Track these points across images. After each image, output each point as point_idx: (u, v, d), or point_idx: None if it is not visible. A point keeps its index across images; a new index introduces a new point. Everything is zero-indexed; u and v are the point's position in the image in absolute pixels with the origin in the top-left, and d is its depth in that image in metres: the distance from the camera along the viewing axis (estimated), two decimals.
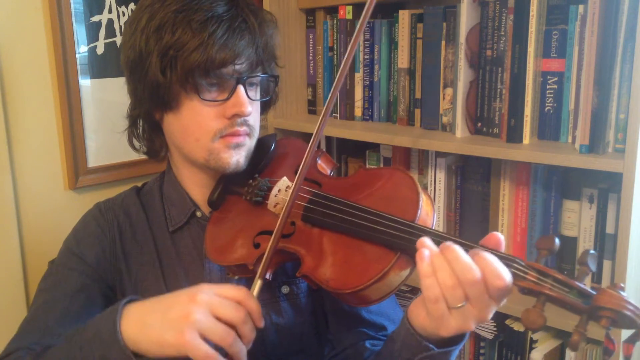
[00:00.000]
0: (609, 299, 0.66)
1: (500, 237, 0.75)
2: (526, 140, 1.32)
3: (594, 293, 0.68)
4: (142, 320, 0.80)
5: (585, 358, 1.26)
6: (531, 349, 1.33)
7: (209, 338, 0.77)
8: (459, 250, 0.71)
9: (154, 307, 0.81)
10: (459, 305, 0.71)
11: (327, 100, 0.87)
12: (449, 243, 0.73)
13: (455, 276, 0.70)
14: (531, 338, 1.34)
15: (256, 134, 1.00)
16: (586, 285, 0.70)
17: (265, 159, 1.04)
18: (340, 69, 0.87)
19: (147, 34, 0.92)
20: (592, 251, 0.71)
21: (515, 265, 0.72)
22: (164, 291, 1.01)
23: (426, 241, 0.73)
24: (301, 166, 0.87)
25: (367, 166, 1.69)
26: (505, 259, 0.72)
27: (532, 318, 0.68)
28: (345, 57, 0.86)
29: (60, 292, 1.00)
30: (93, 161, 1.66)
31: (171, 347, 0.77)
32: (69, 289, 1.00)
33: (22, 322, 1.00)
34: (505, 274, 0.69)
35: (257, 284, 0.84)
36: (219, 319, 0.78)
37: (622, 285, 0.69)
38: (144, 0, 0.96)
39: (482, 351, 1.44)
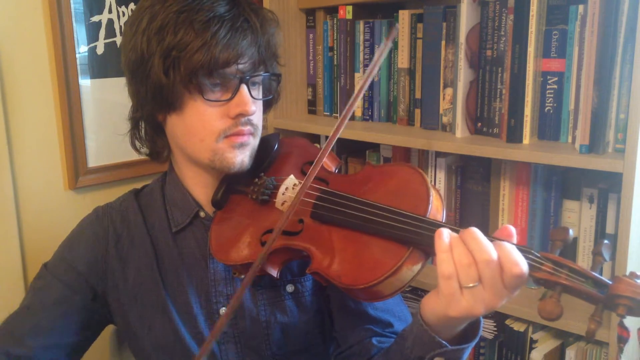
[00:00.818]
0: (626, 287, 0.67)
1: (512, 229, 0.76)
2: (526, 140, 1.32)
3: (610, 282, 0.69)
4: None
5: (586, 358, 1.26)
6: (531, 349, 1.33)
7: None
8: (477, 231, 0.73)
9: None
10: (471, 285, 0.72)
11: (349, 104, 0.87)
12: (467, 228, 0.74)
13: (471, 255, 0.71)
14: (531, 338, 1.34)
15: (259, 133, 1.01)
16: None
17: (269, 158, 1.04)
18: (365, 76, 0.87)
19: (148, 35, 0.92)
20: (606, 241, 0.72)
21: (530, 256, 0.73)
22: (162, 295, 1.02)
23: (444, 228, 0.76)
24: (314, 164, 0.87)
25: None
26: (520, 250, 0.73)
27: (549, 308, 0.68)
28: (369, 69, 0.86)
29: (40, 301, 1.02)
30: (93, 161, 1.66)
31: None
32: (49, 300, 1.01)
33: (4, 320, 1.02)
34: (522, 262, 0.70)
35: None
36: None
37: (638, 273, 0.69)
38: (144, 1, 0.96)
39: (482, 351, 1.44)
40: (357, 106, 1.67)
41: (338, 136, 0.88)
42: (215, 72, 0.91)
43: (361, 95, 0.88)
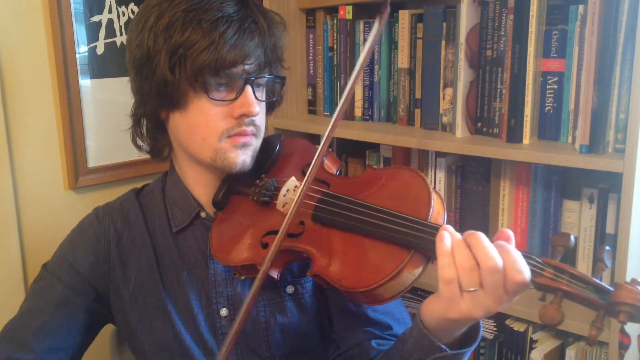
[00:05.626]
0: (627, 294, 0.67)
1: (510, 233, 0.76)
2: (526, 140, 1.32)
3: (611, 289, 0.69)
4: None
5: (586, 358, 1.26)
6: (531, 349, 1.33)
7: None
8: (482, 236, 0.73)
9: None
10: (472, 289, 0.72)
11: (341, 102, 0.87)
12: (472, 231, 0.74)
13: (473, 259, 0.71)
14: (531, 338, 1.34)
15: (262, 134, 1.01)
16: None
17: (270, 159, 1.04)
18: (355, 73, 0.86)
19: (155, 32, 0.92)
20: (607, 247, 0.72)
21: (531, 262, 0.72)
22: (162, 295, 1.02)
23: (448, 227, 0.75)
24: (311, 166, 0.86)
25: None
26: (522, 256, 0.72)
27: (551, 314, 0.68)
28: (359, 63, 0.86)
29: (43, 303, 1.01)
30: (93, 161, 1.66)
31: None
32: (52, 302, 1.01)
33: (4, 326, 1.02)
34: (526, 269, 0.70)
35: None
36: None
37: (639, 280, 0.69)
38: None
39: (482, 351, 1.44)
40: (357, 106, 1.67)
41: (332, 136, 0.87)
42: (221, 72, 0.91)
43: (354, 87, 0.88)
